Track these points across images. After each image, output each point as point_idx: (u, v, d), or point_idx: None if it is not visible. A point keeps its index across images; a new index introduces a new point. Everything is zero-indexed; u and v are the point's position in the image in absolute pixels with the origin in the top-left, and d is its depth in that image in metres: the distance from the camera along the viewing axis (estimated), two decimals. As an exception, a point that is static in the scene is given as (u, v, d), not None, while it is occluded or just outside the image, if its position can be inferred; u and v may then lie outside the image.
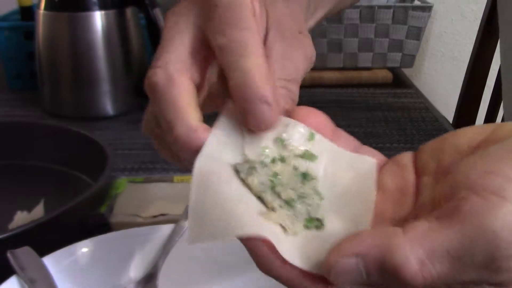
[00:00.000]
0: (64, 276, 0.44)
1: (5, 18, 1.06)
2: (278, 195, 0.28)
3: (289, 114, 0.31)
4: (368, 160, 0.30)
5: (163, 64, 0.32)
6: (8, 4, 1.17)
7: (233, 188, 0.28)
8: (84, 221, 0.55)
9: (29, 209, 0.59)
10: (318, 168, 0.30)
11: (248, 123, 0.29)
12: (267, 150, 0.30)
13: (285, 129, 0.30)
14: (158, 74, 0.32)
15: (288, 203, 0.28)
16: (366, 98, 1.03)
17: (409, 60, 1.12)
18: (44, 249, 0.46)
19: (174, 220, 0.53)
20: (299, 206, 0.28)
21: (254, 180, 0.28)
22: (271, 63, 0.32)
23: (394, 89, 1.08)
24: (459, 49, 1.54)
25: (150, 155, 0.77)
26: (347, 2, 0.54)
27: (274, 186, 0.28)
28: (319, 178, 0.30)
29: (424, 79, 1.57)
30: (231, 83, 0.30)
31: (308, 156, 0.30)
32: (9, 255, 0.45)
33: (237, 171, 0.29)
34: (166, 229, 0.50)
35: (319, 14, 0.43)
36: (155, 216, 0.55)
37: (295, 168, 0.30)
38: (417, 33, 1.09)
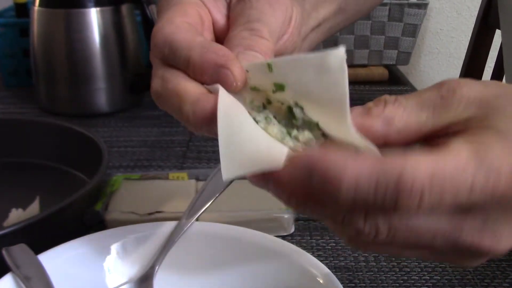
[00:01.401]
0: (60, 274, 0.44)
1: (0, 15, 1.06)
2: (296, 138, 0.30)
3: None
4: (333, 54, 0.28)
5: (155, 72, 0.35)
6: (3, 1, 1.17)
7: (257, 128, 0.30)
8: (80, 218, 0.55)
9: (24, 206, 0.58)
10: (292, 93, 0.30)
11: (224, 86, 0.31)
12: (255, 102, 0.31)
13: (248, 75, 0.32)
14: (154, 82, 0.35)
15: (306, 143, 0.29)
16: (362, 95, 1.03)
17: (405, 57, 1.12)
18: (40, 246, 0.45)
19: (170, 218, 0.53)
20: (314, 142, 0.29)
21: (273, 130, 0.30)
22: (232, 21, 0.36)
23: (390, 86, 1.08)
24: (454, 46, 1.54)
25: (145, 152, 0.77)
26: (363, 6, 0.54)
27: (290, 132, 0.30)
28: (299, 103, 0.30)
29: (420, 76, 1.58)
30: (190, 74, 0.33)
31: (278, 88, 0.30)
32: (4, 252, 0.44)
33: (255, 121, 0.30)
34: (163, 226, 0.50)
35: (321, 14, 0.43)
36: (151, 213, 0.55)
37: (282, 104, 0.31)
38: (413, 31, 1.10)
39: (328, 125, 0.29)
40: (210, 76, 0.32)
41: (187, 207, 0.50)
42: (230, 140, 0.27)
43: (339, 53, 0.27)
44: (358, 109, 0.28)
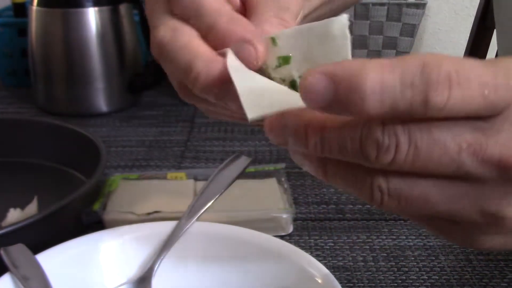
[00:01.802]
0: (58, 274, 0.44)
1: (-2, 14, 1.06)
2: None
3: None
4: (337, 21, 0.28)
5: (160, 22, 0.33)
6: (1, 1, 1.17)
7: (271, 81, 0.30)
8: (78, 218, 0.55)
9: (23, 206, 0.58)
10: (296, 65, 0.30)
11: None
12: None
13: None
14: (161, 31, 0.32)
15: None
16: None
17: (403, 57, 1.12)
18: (38, 246, 0.45)
19: (168, 218, 0.53)
20: None
21: None
22: (257, 2, 0.34)
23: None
24: (453, 46, 1.54)
25: (143, 152, 0.77)
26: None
27: None
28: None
29: (418, 76, 1.57)
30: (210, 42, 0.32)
31: (283, 61, 0.30)
32: (2, 252, 0.44)
33: None
34: (162, 226, 0.50)
35: (313, 4, 0.43)
36: (149, 213, 0.55)
37: (283, 80, 0.30)
38: (411, 30, 1.10)
39: None
40: (232, 47, 0.31)
41: (188, 208, 0.50)
42: (248, 87, 0.27)
43: (342, 20, 0.28)
44: None
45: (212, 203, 0.50)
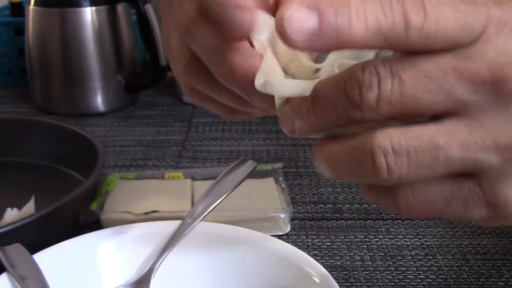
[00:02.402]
0: (55, 274, 0.44)
1: (-5, 14, 1.06)
2: None
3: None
4: None
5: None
6: (-2, 0, 1.17)
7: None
8: (75, 218, 0.55)
9: (20, 206, 0.58)
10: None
11: (227, 34, 0.30)
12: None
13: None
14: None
15: None
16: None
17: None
18: (35, 246, 0.45)
19: (166, 217, 0.53)
20: None
21: None
22: None
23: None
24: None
25: (141, 151, 0.77)
26: None
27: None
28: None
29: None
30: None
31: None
32: (-1, 252, 0.44)
33: None
34: (160, 226, 0.50)
35: None
36: (146, 213, 0.55)
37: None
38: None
39: None
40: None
41: (191, 209, 0.50)
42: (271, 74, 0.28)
43: None
44: None
45: (216, 206, 0.50)
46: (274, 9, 0.34)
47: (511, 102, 0.24)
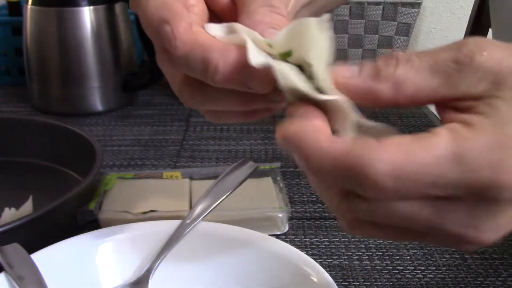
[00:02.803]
0: (53, 273, 0.44)
1: (-8, 13, 1.06)
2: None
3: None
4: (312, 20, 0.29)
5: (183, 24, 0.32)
6: (-4, -1, 1.16)
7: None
8: (73, 217, 0.55)
9: (17, 206, 0.58)
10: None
11: (168, 51, 0.30)
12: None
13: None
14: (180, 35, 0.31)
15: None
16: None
17: (399, 56, 1.12)
18: (33, 246, 0.45)
19: (164, 217, 0.53)
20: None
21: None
22: None
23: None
24: (448, 46, 1.54)
25: (139, 151, 0.77)
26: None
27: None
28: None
29: (414, 75, 1.58)
30: None
31: (286, 55, 0.30)
32: (-3, 252, 0.44)
33: None
34: (158, 226, 0.50)
35: None
36: (144, 213, 0.55)
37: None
38: (406, 30, 1.10)
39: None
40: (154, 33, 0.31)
41: (190, 209, 0.50)
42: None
43: (317, 20, 0.28)
44: (367, 69, 0.28)
45: (215, 207, 0.50)
46: (230, 13, 0.35)
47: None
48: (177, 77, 0.34)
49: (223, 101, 0.33)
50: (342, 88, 0.27)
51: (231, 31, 0.32)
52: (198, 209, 0.49)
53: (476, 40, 0.27)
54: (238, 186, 0.51)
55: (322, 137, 0.26)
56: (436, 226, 0.26)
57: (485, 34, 1.12)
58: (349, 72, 0.28)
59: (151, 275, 0.46)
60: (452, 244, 0.28)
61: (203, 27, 0.32)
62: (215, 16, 0.36)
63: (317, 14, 0.45)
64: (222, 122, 0.37)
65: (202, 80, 0.32)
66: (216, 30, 0.32)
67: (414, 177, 0.24)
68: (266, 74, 0.29)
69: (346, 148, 0.25)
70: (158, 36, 0.30)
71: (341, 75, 0.28)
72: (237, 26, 0.32)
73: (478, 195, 0.25)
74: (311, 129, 0.26)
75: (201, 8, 0.35)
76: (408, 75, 0.26)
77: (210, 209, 0.49)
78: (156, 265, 0.46)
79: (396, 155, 0.24)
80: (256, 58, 0.29)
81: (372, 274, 0.51)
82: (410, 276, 0.51)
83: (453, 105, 0.26)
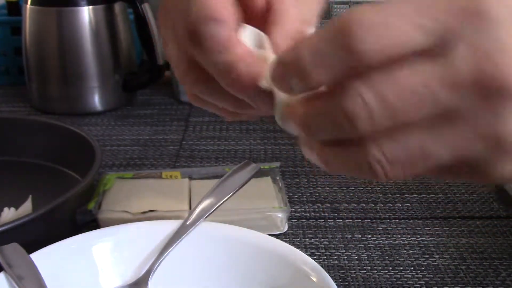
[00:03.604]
0: (52, 273, 0.44)
1: (-9, 13, 1.06)
2: None
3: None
4: None
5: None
6: (-5, -1, 1.16)
7: None
8: (72, 217, 0.55)
9: (17, 205, 0.58)
10: None
11: (203, 45, 0.31)
12: None
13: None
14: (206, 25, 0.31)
15: None
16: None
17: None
18: (32, 245, 0.45)
19: (163, 216, 0.53)
20: None
21: None
22: (282, 8, 0.34)
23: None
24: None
25: (138, 151, 0.77)
26: None
27: None
28: None
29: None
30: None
31: None
32: (-4, 251, 0.44)
33: None
34: (158, 226, 0.50)
35: None
36: (144, 212, 0.55)
37: None
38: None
39: None
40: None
41: (191, 210, 0.50)
42: None
43: None
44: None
45: (215, 209, 0.50)
46: (261, 16, 0.35)
47: (498, 104, 0.24)
48: (184, 60, 0.35)
49: (221, 98, 0.34)
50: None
51: (260, 45, 0.33)
52: (198, 210, 0.49)
53: None
54: (239, 188, 0.51)
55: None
56: (447, 77, 0.23)
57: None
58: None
59: (150, 276, 0.46)
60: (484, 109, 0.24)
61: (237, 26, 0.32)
62: (242, 7, 0.36)
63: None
64: (204, 108, 0.38)
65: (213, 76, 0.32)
66: (248, 37, 0.33)
67: (396, 17, 0.23)
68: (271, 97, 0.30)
69: (333, 21, 0.24)
70: (201, 26, 0.31)
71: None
72: (266, 43, 0.33)
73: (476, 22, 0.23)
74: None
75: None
76: None
77: (210, 211, 0.49)
78: (155, 266, 0.46)
79: (374, 10, 0.23)
80: (265, 82, 0.30)
81: (371, 273, 0.51)
82: (409, 275, 0.51)
83: None
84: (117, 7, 0.90)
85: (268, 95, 0.30)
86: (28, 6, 0.88)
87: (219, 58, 0.31)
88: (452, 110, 0.24)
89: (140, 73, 0.94)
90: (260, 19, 0.35)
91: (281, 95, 0.29)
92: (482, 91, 0.24)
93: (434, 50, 0.24)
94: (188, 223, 0.48)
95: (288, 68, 0.26)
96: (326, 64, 0.24)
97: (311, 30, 0.33)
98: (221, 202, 0.50)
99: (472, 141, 0.25)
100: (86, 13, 0.87)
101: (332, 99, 0.25)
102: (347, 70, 0.24)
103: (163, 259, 0.47)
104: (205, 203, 0.50)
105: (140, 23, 0.88)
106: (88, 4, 0.86)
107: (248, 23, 0.34)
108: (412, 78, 0.24)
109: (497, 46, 0.23)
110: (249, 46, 0.32)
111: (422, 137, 0.25)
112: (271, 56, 0.32)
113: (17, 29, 0.97)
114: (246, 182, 0.51)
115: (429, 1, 0.23)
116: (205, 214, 0.49)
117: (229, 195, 0.50)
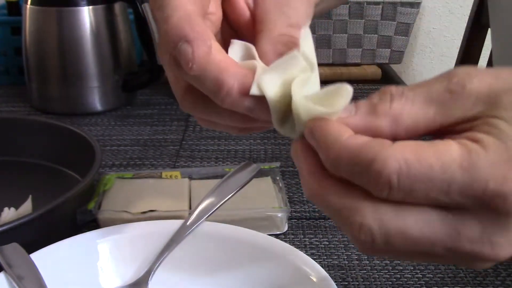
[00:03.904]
0: (52, 273, 0.44)
1: (-9, 13, 1.06)
2: None
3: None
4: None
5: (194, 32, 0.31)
6: (-5, -1, 1.16)
7: None
8: (72, 217, 0.55)
9: (17, 205, 0.58)
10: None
11: (182, 67, 0.30)
12: None
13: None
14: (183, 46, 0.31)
15: None
16: (355, 94, 1.02)
17: (398, 56, 1.13)
18: (32, 245, 0.45)
19: (163, 216, 0.53)
20: None
21: None
22: (267, 16, 0.34)
23: (383, 85, 1.08)
24: (447, 46, 1.54)
25: (138, 151, 0.77)
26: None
27: None
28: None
29: (413, 75, 1.58)
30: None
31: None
32: (-4, 251, 0.44)
33: None
34: (158, 225, 0.50)
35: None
36: (144, 212, 0.55)
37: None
38: (405, 30, 1.10)
39: None
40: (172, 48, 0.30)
41: (192, 210, 0.50)
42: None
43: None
44: (364, 106, 0.28)
45: (216, 209, 0.50)
46: (249, 29, 0.35)
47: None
48: (181, 84, 0.34)
49: (224, 116, 0.34)
50: None
51: (249, 56, 0.32)
52: (199, 211, 0.49)
53: (464, 69, 0.27)
54: (240, 189, 0.51)
55: (344, 130, 0.27)
56: (450, 243, 0.26)
57: (484, 33, 1.12)
58: (346, 112, 0.28)
59: (150, 276, 0.46)
60: (467, 262, 0.27)
61: (225, 42, 0.32)
62: (230, 26, 0.37)
63: (321, 14, 0.45)
64: (214, 128, 0.37)
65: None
66: (235, 51, 0.32)
67: (422, 178, 0.24)
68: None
69: (364, 142, 0.26)
70: (174, 49, 0.30)
71: (339, 117, 0.28)
72: (255, 53, 0.32)
73: (487, 207, 0.25)
74: (335, 124, 0.27)
75: (218, 17, 0.35)
76: (405, 108, 0.27)
77: (211, 212, 0.49)
78: (156, 266, 0.46)
79: (408, 155, 0.25)
80: (255, 89, 0.30)
81: (371, 273, 0.51)
82: (409, 275, 0.51)
83: (451, 130, 0.27)
84: (117, 7, 0.90)
85: (263, 102, 0.30)
86: (28, 6, 0.88)
87: (204, 75, 0.31)
88: (438, 256, 0.27)
89: (140, 73, 0.94)
90: (249, 31, 0.35)
91: (274, 100, 0.30)
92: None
93: (450, 208, 0.26)
94: (188, 223, 0.48)
95: (320, 149, 0.28)
96: (354, 173, 0.26)
97: (302, 31, 0.32)
98: (222, 202, 0.50)
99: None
100: (86, 13, 0.87)
101: (342, 204, 0.27)
102: (367, 185, 0.26)
103: (163, 259, 0.47)
104: (206, 203, 0.50)
105: (140, 23, 0.88)
106: (88, 4, 0.86)
107: (240, 39, 0.33)
108: (422, 228, 0.26)
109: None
110: (236, 59, 0.32)
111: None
112: (259, 64, 0.31)
113: (17, 29, 0.97)
114: (247, 182, 0.51)
115: (460, 179, 0.25)
116: (206, 215, 0.49)
117: (229, 196, 0.50)
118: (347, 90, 0.28)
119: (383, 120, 0.27)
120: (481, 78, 0.27)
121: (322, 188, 0.27)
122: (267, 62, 0.32)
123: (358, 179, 0.26)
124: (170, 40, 0.30)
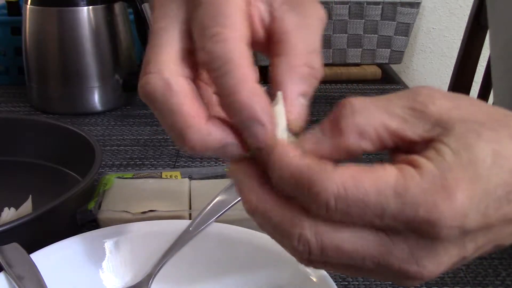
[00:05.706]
0: (52, 273, 0.44)
1: (-9, 13, 1.06)
2: None
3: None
4: None
5: (155, 69, 0.31)
6: (-5, -1, 1.16)
7: None
8: (72, 217, 0.55)
9: (17, 205, 0.58)
10: None
11: (247, 140, 0.30)
12: None
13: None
14: (152, 82, 0.31)
15: None
16: (355, 94, 1.03)
17: (398, 56, 1.13)
18: (32, 245, 0.45)
19: (163, 216, 0.53)
20: None
21: None
22: (287, 38, 0.31)
23: (383, 85, 1.09)
24: (447, 46, 1.55)
25: (138, 151, 0.77)
26: None
27: None
28: None
29: (413, 75, 1.58)
30: (221, 101, 0.29)
31: None
32: (-4, 251, 0.44)
33: None
34: (158, 225, 0.50)
35: None
36: (144, 212, 0.55)
37: None
38: (405, 29, 1.10)
39: None
40: (238, 119, 0.29)
41: (199, 213, 0.49)
42: None
43: None
44: (327, 128, 0.28)
45: (220, 215, 0.49)
46: (262, 46, 0.33)
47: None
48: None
49: None
50: (315, 156, 0.28)
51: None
52: (202, 217, 0.48)
53: (428, 89, 0.28)
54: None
55: (293, 151, 0.28)
56: (381, 259, 0.27)
57: (484, 34, 1.12)
58: (313, 138, 0.28)
59: (151, 280, 0.46)
60: (395, 279, 0.28)
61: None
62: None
63: None
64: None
65: None
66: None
67: (358, 202, 0.26)
68: None
69: (308, 164, 0.27)
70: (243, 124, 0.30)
71: (308, 145, 0.28)
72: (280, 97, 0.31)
73: (418, 232, 0.26)
74: (285, 143, 0.28)
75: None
76: (369, 121, 0.27)
77: (214, 218, 0.49)
78: (157, 270, 0.46)
79: (345, 179, 0.26)
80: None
81: (371, 273, 0.51)
82: (409, 275, 0.51)
83: (406, 148, 0.28)
84: (117, 7, 0.90)
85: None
86: (28, 6, 0.88)
87: (168, 119, 0.31)
88: (369, 270, 0.28)
89: (140, 73, 0.93)
90: (261, 48, 0.33)
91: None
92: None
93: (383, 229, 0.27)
94: (190, 229, 0.48)
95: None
96: (296, 191, 0.27)
97: (317, 61, 0.30)
98: (226, 209, 0.49)
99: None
100: (86, 13, 0.87)
101: (283, 216, 0.28)
102: (307, 204, 0.27)
103: (164, 264, 0.47)
104: (209, 209, 0.49)
105: (140, 23, 0.88)
106: (88, 4, 0.86)
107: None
108: (355, 243, 0.27)
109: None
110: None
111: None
112: (281, 110, 0.30)
113: (17, 29, 0.97)
114: None
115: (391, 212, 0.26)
116: (208, 221, 0.48)
117: (234, 203, 0.49)
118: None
119: (350, 137, 0.28)
120: (443, 102, 0.28)
121: (263, 202, 0.28)
122: (288, 101, 0.31)
123: (300, 197, 0.27)
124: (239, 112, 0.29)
